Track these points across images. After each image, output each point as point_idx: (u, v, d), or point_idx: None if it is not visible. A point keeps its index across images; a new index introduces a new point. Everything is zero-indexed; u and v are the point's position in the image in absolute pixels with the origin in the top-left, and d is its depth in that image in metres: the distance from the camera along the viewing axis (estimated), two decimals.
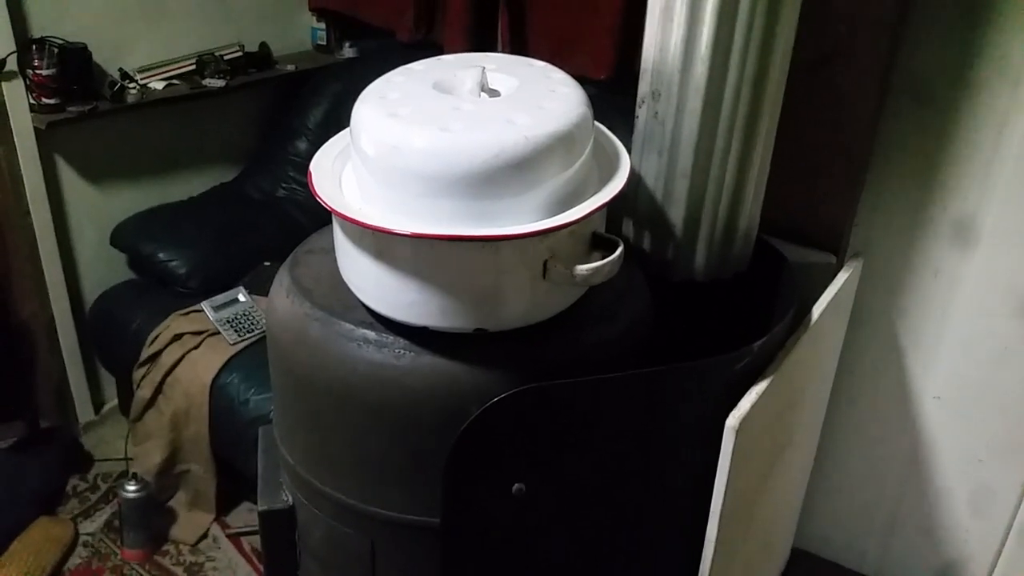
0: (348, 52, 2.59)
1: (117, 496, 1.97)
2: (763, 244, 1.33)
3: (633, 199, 1.25)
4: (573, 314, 1.07)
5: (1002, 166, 1.35)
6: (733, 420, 1.03)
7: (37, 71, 1.94)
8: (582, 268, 0.97)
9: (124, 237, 2.23)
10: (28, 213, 2.05)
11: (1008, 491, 1.55)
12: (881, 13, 1.27)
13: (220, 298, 2.06)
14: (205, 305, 2.04)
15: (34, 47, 1.94)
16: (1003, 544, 1.59)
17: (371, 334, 1.03)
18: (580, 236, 1.02)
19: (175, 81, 2.23)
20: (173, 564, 1.94)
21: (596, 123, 1.07)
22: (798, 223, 1.42)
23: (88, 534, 2.01)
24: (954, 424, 1.56)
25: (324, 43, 2.59)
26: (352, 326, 1.04)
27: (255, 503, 1.27)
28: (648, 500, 1.15)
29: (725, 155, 1.17)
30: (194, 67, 2.26)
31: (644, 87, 1.19)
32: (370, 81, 1.06)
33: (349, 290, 1.07)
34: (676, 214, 1.22)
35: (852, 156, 1.38)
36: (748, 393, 1.07)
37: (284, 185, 2.45)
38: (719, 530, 1.10)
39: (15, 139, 1.97)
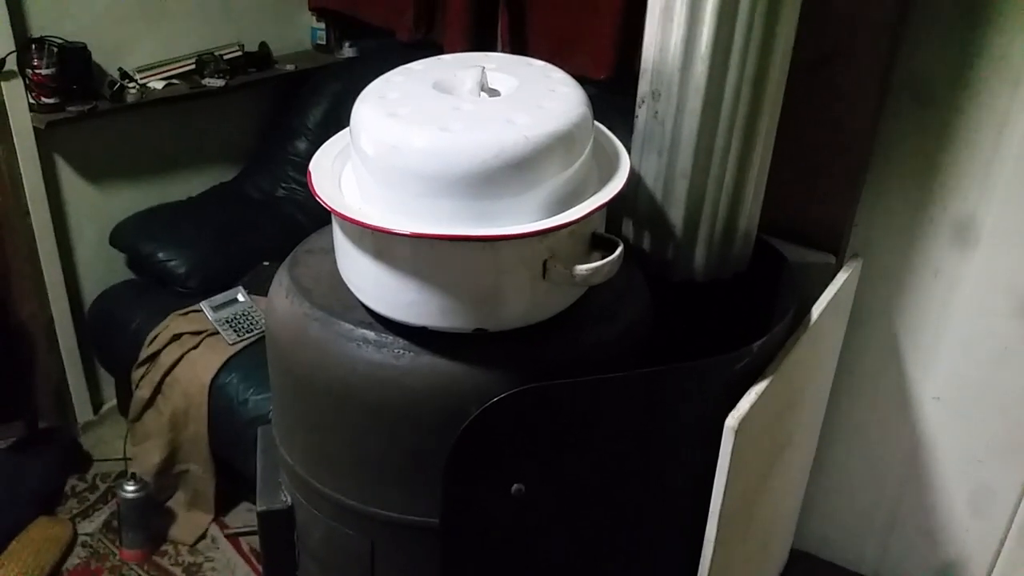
0: (348, 52, 2.59)
1: (116, 496, 1.96)
2: (763, 244, 1.33)
3: (633, 199, 1.25)
4: (573, 314, 1.07)
5: (1002, 166, 1.35)
6: (732, 420, 1.03)
7: (37, 71, 1.94)
8: (582, 268, 0.97)
9: (123, 237, 2.23)
10: (27, 213, 2.05)
11: (1008, 491, 1.54)
12: (881, 13, 1.27)
13: (219, 298, 2.06)
14: (204, 305, 2.04)
15: (34, 47, 1.94)
16: (1002, 544, 1.59)
17: (370, 334, 1.03)
18: (580, 236, 1.02)
19: (175, 81, 2.23)
20: (172, 564, 1.94)
21: (596, 123, 1.07)
22: (798, 223, 1.42)
23: (87, 534, 2.01)
24: (954, 424, 1.56)
25: (324, 43, 2.59)
26: (351, 326, 1.04)
27: (254, 503, 1.27)
28: (648, 500, 1.15)
29: (725, 155, 1.17)
30: (194, 67, 2.26)
31: (644, 87, 1.19)
32: (370, 81, 1.06)
33: (348, 290, 1.07)
34: (676, 214, 1.22)
35: (852, 156, 1.38)
36: (748, 393, 1.07)
37: (284, 185, 2.45)
38: (718, 530, 1.10)
39: (14, 139, 1.97)
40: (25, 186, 2.02)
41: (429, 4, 2.22)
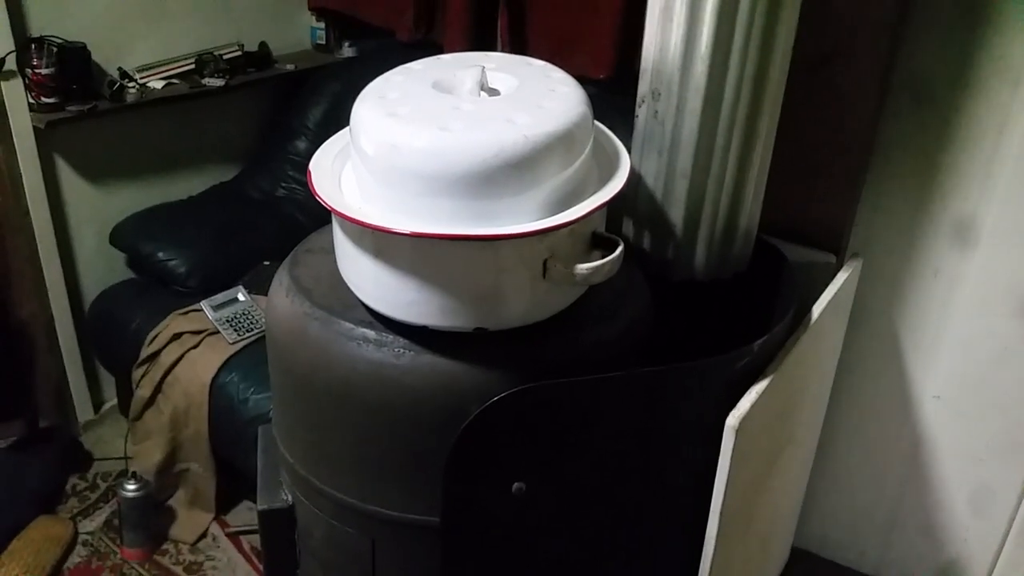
0: (347, 52, 2.59)
1: (116, 495, 1.96)
2: (763, 243, 1.33)
3: (633, 198, 1.25)
4: (573, 313, 1.07)
5: (1002, 166, 1.35)
6: (733, 419, 1.03)
7: (36, 70, 1.94)
8: (582, 267, 0.97)
9: (123, 236, 2.22)
10: (27, 213, 2.05)
11: (1008, 490, 1.55)
12: (881, 13, 1.28)
13: (219, 297, 2.06)
14: (204, 304, 2.04)
15: (33, 46, 1.94)
16: (1003, 544, 1.59)
17: (371, 333, 1.03)
18: (580, 235, 1.02)
19: (174, 80, 2.23)
20: (172, 563, 1.94)
21: (596, 122, 1.07)
22: (798, 223, 1.42)
23: (87, 533, 2.01)
24: (954, 423, 1.56)
25: (323, 42, 2.59)
26: (352, 325, 1.04)
27: (255, 502, 1.27)
28: (648, 499, 1.15)
29: (725, 154, 1.17)
30: (193, 66, 2.26)
31: (644, 86, 1.19)
32: (370, 81, 1.06)
33: (349, 289, 1.07)
34: (676, 213, 1.22)
35: (852, 156, 1.38)
36: (748, 392, 1.07)
37: (283, 185, 2.45)
38: (719, 529, 1.10)
39: (14, 138, 1.97)
40: (25, 186, 2.02)
41: (429, 4, 2.22)
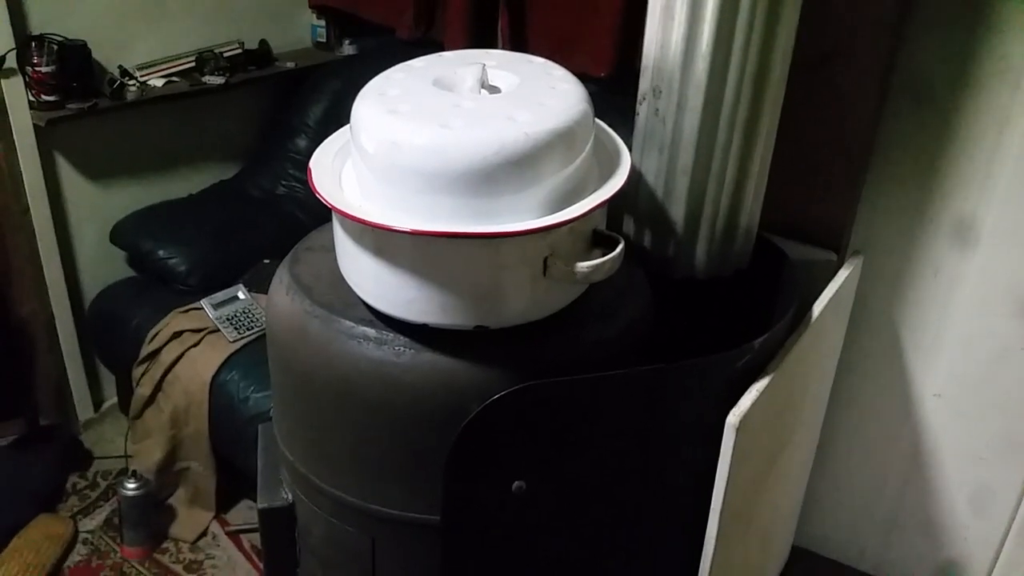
0: (348, 49, 2.59)
1: (117, 494, 1.96)
2: (764, 241, 1.33)
3: (634, 196, 1.25)
4: (574, 311, 1.07)
5: (1002, 166, 1.35)
6: (734, 418, 1.03)
7: (36, 68, 1.94)
8: (583, 265, 0.97)
9: (124, 234, 2.22)
10: (27, 211, 2.05)
11: (1008, 490, 1.55)
12: (881, 13, 1.27)
13: (220, 295, 2.06)
14: (205, 303, 2.04)
15: (33, 44, 1.94)
16: (1003, 543, 1.59)
17: (371, 331, 1.03)
18: (580, 233, 1.02)
19: (175, 78, 2.23)
20: (173, 562, 1.94)
21: (597, 120, 1.07)
22: (798, 222, 1.42)
23: (88, 532, 2.01)
24: (954, 422, 1.56)
25: (324, 40, 2.59)
26: (352, 323, 1.04)
27: (255, 501, 1.27)
28: (648, 498, 1.15)
29: (726, 152, 1.17)
30: (194, 64, 2.26)
31: (645, 84, 1.19)
32: (370, 78, 1.06)
33: (349, 287, 1.07)
34: (677, 211, 1.22)
35: (852, 155, 1.38)
36: (749, 391, 1.07)
37: (284, 183, 2.45)
38: (719, 528, 1.10)
39: (14, 137, 1.97)
40: (25, 184, 2.02)
41: (429, 2, 2.22)
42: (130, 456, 2.09)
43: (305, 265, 1.16)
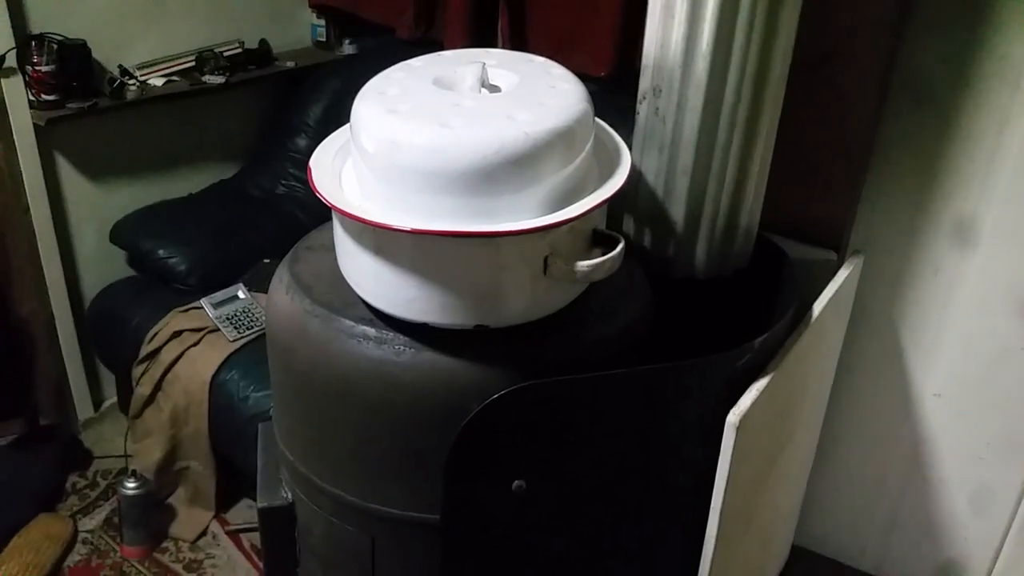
0: (348, 49, 2.59)
1: (116, 493, 1.96)
2: (764, 241, 1.33)
3: (634, 196, 1.25)
4: (574, 311, 1.07)
5: (1002, 166, 1.35)
6: (734, 417, 1.03)
7: (36, 68, 1.94)
8: (583, 265, 0.97)
9: (123, 234, 2.22)
10: (27, 210, 2.05)
11: (1008, 489, 1.55)
12: (881, 12, 1.27)
13: (220, 295, 2.06)
14: (205, 302, 2.04)
15: (33, 43, 1.94)
16: (1003, 542, 1.59)
17: (371, 331, 1.03)
18: (581, 233, 1.02)
19: (175, 78, 2.23)
20: (172, 561, 1.94)
21: (597, 119, 1.07)
22: (798, 222, 1.42)
23: (87, 531, 2.01)
24: (954, 423, 1.56)
25: (324, 40, 2.59)
26: (352, 323, 1.04)
27: (255, 500, 1.27)
28: (648, 497, 1.15)
29: (726, 152, 1.17)
30: (194, 64, 2.26)
31: (645, 83, 1.19)
32: (370, 78, 1.06)
33: (349, 287, 1.07)
34: (677, 211, 1.22)
35: (852, 155, 1.38)
36: (749, 390, 1.07)
37: (284, 182, 2.45)
38: (719, 527, 1.10)
39: (14, 136, 1.97)
40: (25, 183, 2.02)
41: (429, 2, 2.22)
42: (130, 455, 2.09)
43: (305, 264, 1.16)
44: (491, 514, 1.07)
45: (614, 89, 1.58)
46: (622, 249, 0.99)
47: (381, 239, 0.98)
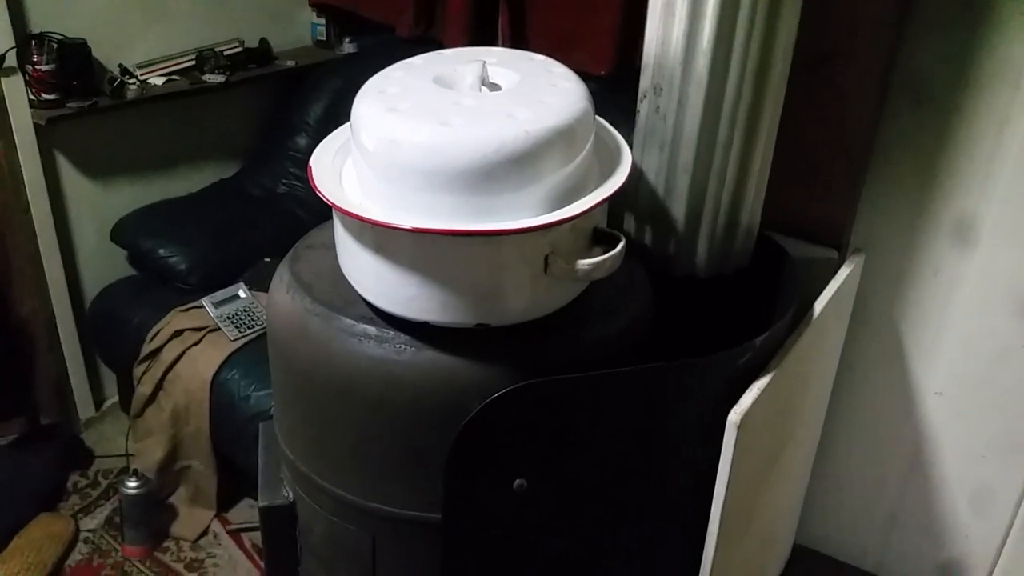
0: (348, 48, 2.59)
1: (118, 492, 1.97)
2: (765, 239, 1.33)
3: (634, 194, 1.25)
4: (574, 310, 1.07)
5: (1002, 166, 1.35)
6: (735, 416, 1.03)
7: (37, 67, 1.94)
8: (583, 263, 0.97)
9: (124, 233, 2.23)
10: (28, 209, 2.05)
11: (1009, 489, 1.55)
12: (881, 12, 1.27)
13: (220, 294, 2.06)
14: (205, 301, 2.04)
15: (33, 43, 1.94)
16: (1004, 542, 1.59)
17: (372, 329, 1.03)
18: (581, 231, 1.02)
19: (175, 77, 2.23)
20: (174, 560, 1.94)
21: (597, 118, 1.06)
22: (798, 221, 1.42)
23: (89, 530, 2.01)
24: (955, 422, 1.56)
25: (324, 39, 2.59)
26: (353, 321, 1.04)
27: (256, 499, 1.27)
28: (649, 496, 1.15)
29: (727, 150, 1.17)
30: (194, 63, 2.26)
31: (645, 82, 1.19)
32: (370, 77, 1.06)
33: (349, 285, 1.07)
34: (678, 209, 1.22)
35: (852, 155, 1.38)
36: (750, 389, 1.07)
37: (284, 181, 2.45)
38: (720, 526, 1.10)
39: (15, 135, 1.97)
40: (26, 182, 2.02)
41: (429, 1, 2.22)
42: (131, 455, 2.09)
43: (306, 263, 1.16)
44: (492, 513, 1.07)
45: (615, 87, 1.59)
46: (623, 247, 0.99)
47: (381, 238, 0.98)
